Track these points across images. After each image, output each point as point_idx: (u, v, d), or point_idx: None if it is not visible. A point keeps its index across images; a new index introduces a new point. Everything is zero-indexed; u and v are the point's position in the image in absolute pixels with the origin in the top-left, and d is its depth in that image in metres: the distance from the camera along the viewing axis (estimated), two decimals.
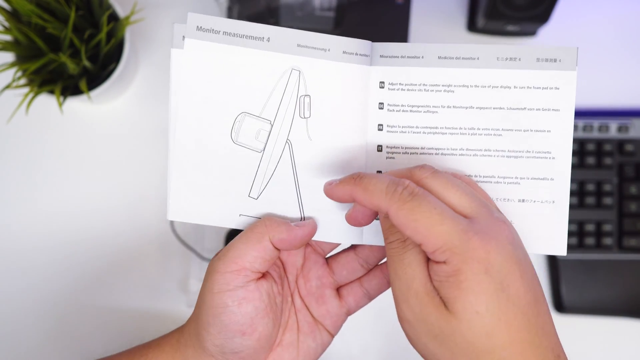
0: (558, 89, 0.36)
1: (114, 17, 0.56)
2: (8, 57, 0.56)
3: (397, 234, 0.32)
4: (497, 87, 0.37)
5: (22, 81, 0.54)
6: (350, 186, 0.33)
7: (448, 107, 0.37)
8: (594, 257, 0.58)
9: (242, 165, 0.37)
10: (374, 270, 0.39)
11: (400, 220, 0.30)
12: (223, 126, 0.37)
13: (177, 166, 0.37)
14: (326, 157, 0.37)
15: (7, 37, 0.54)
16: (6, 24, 0.52)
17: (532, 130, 0.37)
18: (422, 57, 0.37)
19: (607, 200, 0.58)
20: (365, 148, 0.38)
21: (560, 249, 0.37)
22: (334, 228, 0.38)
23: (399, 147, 0.38)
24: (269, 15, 0.58)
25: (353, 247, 0.40)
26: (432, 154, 0.37)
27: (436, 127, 0.37)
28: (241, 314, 0.34)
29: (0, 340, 0.60)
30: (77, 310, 0.60)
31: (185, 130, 0.36)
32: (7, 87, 0.53)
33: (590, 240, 0.58)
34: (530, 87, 0.36)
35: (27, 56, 0.54)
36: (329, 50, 0.36)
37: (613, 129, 0.59)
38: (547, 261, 0.61)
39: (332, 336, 0.39)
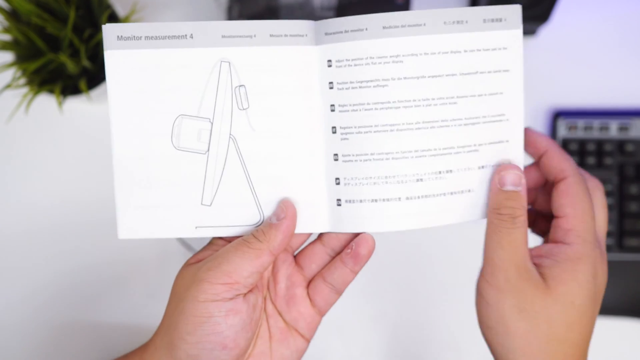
0: (506, 49, 0.36)
1: (113, 17, 0.56)
2: (8, 57, 0.56)
3: (510, 209, 0.35)
4: (447, 52, 0.36)
5: (22, 81, 0.54)
6: (549, 141, 0.37)
7: (398, 78, 0.36)
8: None
9: (189, 172, 0.36)
10: (334, 262, 0.38)
11: (571, 188, 0.35)
12: (162, 134, 0.36)
13: (120, 182, 0.36)
14: (274, 146, 0.36)
15: (7, 37, 0.54)
16: (6, 23, 0.52)
17: (485, 95, 0.36)
18: (366, 29, 0.35)
19: (608, 201, 0.58)
20: (318, 131, 0.37)
21: None
22: (299, 218, 0.36)
23: (352, 127, 0.36)
24: (269, 15, 0.57)
25: (319, 237, 0.38)
26: (387, 130, 0.36)
27: (388, 102, 0.36)
28: (227, 325, 0.33)
29: None
30: (76, 312, 0.60)
31: (123, 144, 0.36)
32: (7, 87, 0.53)
33: None
34: (480, 50, 0.36)
35: (26, 56, 0.54)
36: (254, 36, 0.35)
37: (613, 129, 0.59)
38: None
39: (308, 341, 0.38)
